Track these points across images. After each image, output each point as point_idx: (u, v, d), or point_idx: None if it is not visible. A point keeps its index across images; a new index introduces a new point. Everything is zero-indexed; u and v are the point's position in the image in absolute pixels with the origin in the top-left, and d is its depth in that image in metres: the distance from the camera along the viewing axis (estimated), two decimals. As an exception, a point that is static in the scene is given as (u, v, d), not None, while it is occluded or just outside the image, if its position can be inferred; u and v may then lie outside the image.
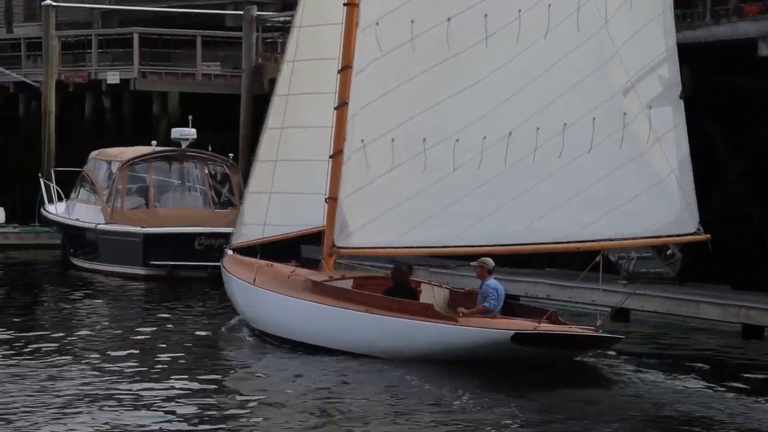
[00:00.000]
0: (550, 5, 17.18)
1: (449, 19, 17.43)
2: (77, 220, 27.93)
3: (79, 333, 19.21)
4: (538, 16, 17.18)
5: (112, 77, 35.09)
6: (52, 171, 32.45)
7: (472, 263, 17.85)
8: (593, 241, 17.26)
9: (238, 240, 20.00)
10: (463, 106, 17.41)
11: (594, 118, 16.93)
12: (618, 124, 16.91)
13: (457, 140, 17.34)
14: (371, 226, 17.81)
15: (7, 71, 37.78)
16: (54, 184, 31.02)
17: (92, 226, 26.60)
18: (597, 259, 17.11)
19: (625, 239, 17.48)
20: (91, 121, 36.49)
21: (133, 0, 42.24)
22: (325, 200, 18.41)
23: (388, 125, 17.66)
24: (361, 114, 17.83)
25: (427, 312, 16.27)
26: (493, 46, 17.31)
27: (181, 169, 28.35)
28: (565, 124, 17.02)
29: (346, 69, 18.03)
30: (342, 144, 17.97)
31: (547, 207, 17.10)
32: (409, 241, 17.74)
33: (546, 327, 15.78)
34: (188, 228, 25.15)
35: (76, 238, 27.85)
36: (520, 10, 17.24)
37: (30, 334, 18.64)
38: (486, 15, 17.31)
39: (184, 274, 25.13)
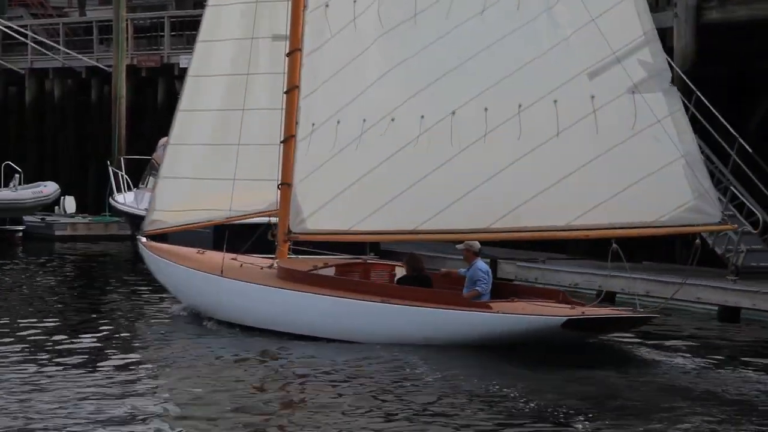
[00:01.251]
0: None
1: None
2: (145, 210, 27.41)
3: (153, 327, 18.76)
4: None
5: (185, 61, 32.04)
6: (122, 159, 32.11)
7: (457, 246, 17.48)
8: (599, 228, 16.73)
9: (152, 227, 19.41)
10: (395, 85, 17.19)
11: (555, 101, 16.49)
12: (586, 108, 16.40)
13: (393, 119, 17.14)
14: (324, 211, 17.64)
15: (79, 55, 37.58)
16: (123, 173, 30.64)
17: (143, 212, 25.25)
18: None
19: (634, 227, 16.80)
20: (163, 106, 35.26)
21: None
22: (278, 186, 18.16)
23: (335, 107, 17.54)
24: (311, 97, 17.72)
25: (459, 300, 16.11)
26: (422, 23, 17.05)
27: None
28: (520, 105, 16.59)
29: (294, 52, 17.85)
30: (293, 128, 17.82)
31: (523, 192, 16.67)
32: (365, 226, 17.52)
33: (593, 311, 15.72)
34: (260, 218, 24.51)
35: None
36: None
37: (97, 328, 18.21)
38: None
39: None
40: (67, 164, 37.68)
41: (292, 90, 17.84)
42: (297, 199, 17.79)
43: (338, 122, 17.50)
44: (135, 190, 29.66)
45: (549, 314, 15.46)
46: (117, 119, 34.66)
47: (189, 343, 16.69)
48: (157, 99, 36.43)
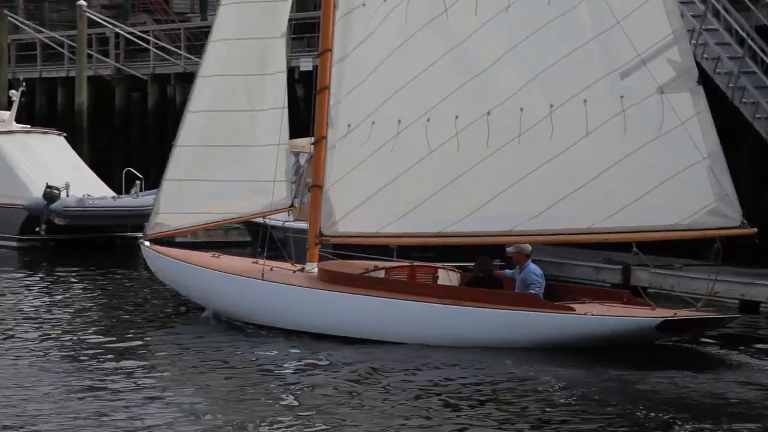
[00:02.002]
0: None
1: None
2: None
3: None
4: None
5: (305, 64, 32.79)
6: None
7: (508, 249, 17.67)
8: (617, 232, 16.79)
9: (155, 230, 19.23)
10: (430, 85, 17.15)
11: (585, 101, 16.43)
12: (615, 108, 16.35)
13: (429, 120, 17.08)
14: (356, 214, 17.62)
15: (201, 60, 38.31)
16: None
17: (279, 223, 24.39)
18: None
19: (656, 231, 16.74)
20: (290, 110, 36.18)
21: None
22: (308, 188, 18.34)
23: (371, 107, 17.50)
24: (347, 99, 17.68)
25: (539, 303, 16.11)
26: (452, 21, 17.02)
27: None
28: (552, 105, 16.54)
29: (325, 53, 17.86)
30: (324, 130, 17.79)
31: (552, 195, 16.63)
32: (396, 228, 17.48)
33: (684, 313, 15.85)
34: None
35: (264, 236, 27.10)
36: None
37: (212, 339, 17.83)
38: None
39: None
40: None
41: (322, 91, 17.85)
42: (330, 201, 17.77)
43: (373, 123, 17.46)
44: None
45: (642, 315, 15.59)
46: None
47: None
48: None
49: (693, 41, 21.29)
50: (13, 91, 33.31)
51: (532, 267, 16.87)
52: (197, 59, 35.44)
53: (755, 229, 17.18)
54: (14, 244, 29.00)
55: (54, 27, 44.46)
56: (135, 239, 28.15)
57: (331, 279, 17.17)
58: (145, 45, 39.00)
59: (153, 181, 33.03)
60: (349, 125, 17.63)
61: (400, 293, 16.50)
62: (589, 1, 16.46)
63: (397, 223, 17.42)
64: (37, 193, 28.57)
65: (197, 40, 38.51)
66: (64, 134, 32.62)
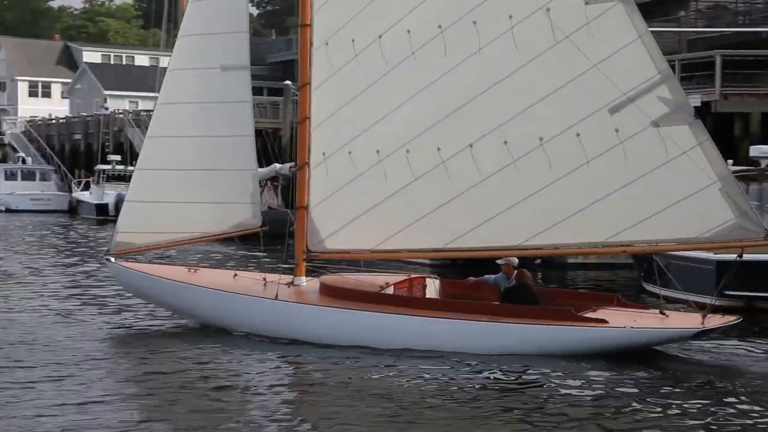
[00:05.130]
0: (475, 22, 17.43)
1: (380, 37, 18.06)
2: None
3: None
4: (464, 33, 17.48)
5: (694, 100, 33.36)
6: None
7: (497, 261, 18.04)
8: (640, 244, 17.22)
9: (119, 248, 19.41)
10: (403, 120, 17.87)
11: (578, 134, 16.90)
12: (612, 139, 16.76)
13: (408, 151, 17.83)
14: (342, 233, 18.29)
15: None
16: None
17: None
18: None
19: (676, 243, 17.10)
20: None
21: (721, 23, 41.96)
22: (294, 209, 18.65)
23: (344, 139, 18.30)
24: (321, 128, 18.48)
25: (572, 316, 16.52)
26: (420, 62, 17.75)
27: (760, 189, 24.33)
28: (541, 138, 17.07)
29: (304, 86, 18.63)
30: (306, 157, 18.61)
31: (556, 213, 17.08)
32: (388, 245, 18.06)
33: (713, 321, 16.49)
34: None
35: (646, 261, 25.05)
36: (440, 26, 17.63)
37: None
38: (409, 31, 17.82)
39: (761, 306, 21.67)
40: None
41: (303, 121, 18.68)
42: (314, 222, 18.53)
43: (350, 152, 18.24)
44: None
45: (680, 326, 16.44)
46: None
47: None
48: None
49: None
50: None
51: None
52: None
53: None
54: (427, 262, 28.41)
55: None
56: (533, 259, 27.54)
57: (349, 296, 17.52)
58: None
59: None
60: (323, 153, 18.44)
61: (440, 311, 16.91)
62: (560, 47, 16.90)
63: (388, 242, 17.96)
64: None
65: None
66: None
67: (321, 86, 18.43)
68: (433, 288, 18.58)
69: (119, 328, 19.21)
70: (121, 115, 68.66)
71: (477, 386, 14.57)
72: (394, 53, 17.89)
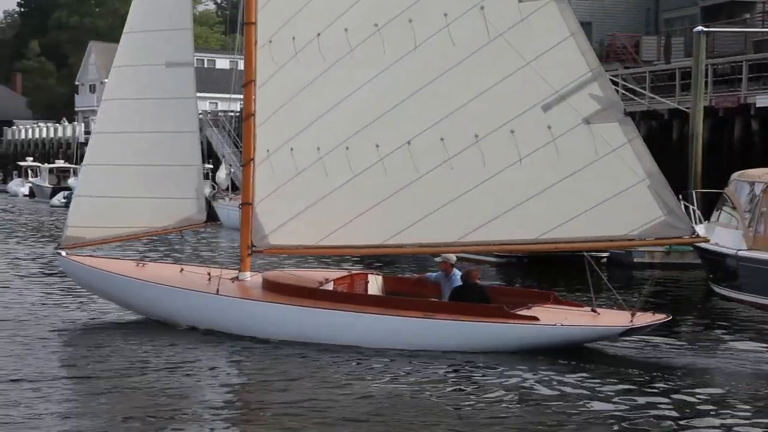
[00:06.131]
0: (411, 20, 17.63)
1: (319, 35, 18.26)
2: (716, 244, 24.49)
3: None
4: (400, 31, 17.69)
5: (761, 100, 35.29)
6: (694, 193, 30.31)
7: (436, 259, 18.34)
8: (569, 241, 17.19)
9: (69, 242, 19.71)
10: (343, 117, 18.08)
11: (512, 131, 17.15)
12: (545, 136, 17.04)
13: (347, 148, 18.06)
14: (286, 228, 18.51)
15: (663, 99, 38.93)
16: (694, 207, 28.59)
17: (732, 252, 23.50)
18: None
19: (605, 240, 17.27)
20: (739, 143, 36.97)
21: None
22: (239, 206, 18.94)
23: (287, 136, 18.52)
24: (265, 125, 18.70)
25: (504, 313, 16.68)
26: (358, 60, 17.98)
27: None
28: (476, 135, 17.30)
29: (249, 83, 18.79)
30: (251, 153, 18.84)
31: (490, 210, 17.28)
32: (330, 241, 18.26)
33: (641, 319, 16.59)
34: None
35: (715, 264, 25.19)
36: (376, 25, 17.85)
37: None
38: (346, 29, 18.04)
39: None
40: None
41: (247, 118, 18.89)
42: (258, 218, 18.76)
43: (291, 149, 18.46)
44: (705, 223, 27.63)
45: (609, 324, 16.60)
46: (693, 156, 35.30)
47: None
48: (733, 137, 37.26)
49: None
50: None
51: (457, 275, 17.96)
52: (660, 99, 37.75)
53: (708, 238, 17.51)
54: (493, 260, 29.04)
55: None
56: (599, 258, 27.91)
57: (287, 292, 17.70)
58: (615, 87, 40.48)
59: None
60: (267, 150, 18.65)
61: (371, 306, 17.08)
62: (495, 44, 17.11)
63: (330, 237, 18.16)
64: None
65: (660, 81, 40.29)
66: None
67: (265, 84, 18.58)
68: (375, 284, 18.80)
69: (65, 322, 19.37)
70: (200, 116, 70.22)
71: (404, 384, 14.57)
72: (333, 51, 18.07)
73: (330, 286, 18.09)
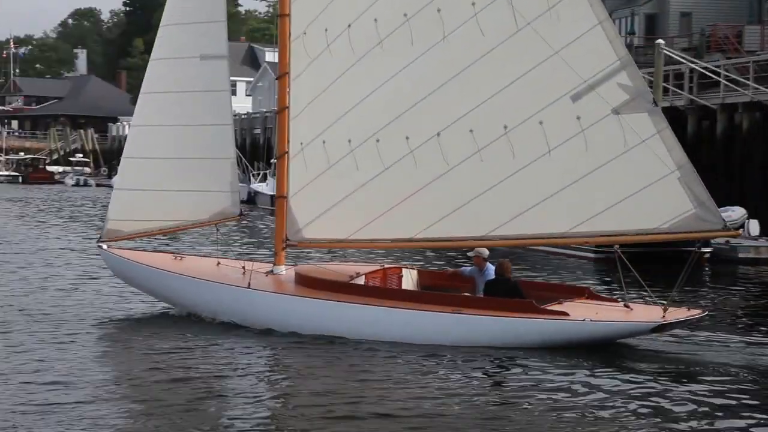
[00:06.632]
0: (439, 10, 17.48)
1: (349, 26, 18.15)
2: None
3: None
4: (429, 21, 17.55)
5: None
6: None
7: (469, 253, 18.30)
8: (600, 235, 17.11)
9: (110, 235, 19.75)
10: (373, 109, 17.95)
11: (541, 122, 16.96)
12: (574, 127, 16.83)
13: (378, 140, 17.94)
14: (320, 222, 18.42)
15: (767, 90, 38.50)
16: None
17: None
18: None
19: (636, 234, 16.89)
20: None
21: None
22: (273, 198, 18.72)
23: (319, 129, 18.46)
24: (299, 118, 18.67)
25: (534, 308, 16.51)
26: (388, 51, 17.85)
27: None
28: (506, 126, 17.11)
29: (283, 76, 18.82)
30: (285, 146, 18.79)
31: (520, 204, 17.12)
32: (362, 235, 18.15)
33: (674, 315, 16.48)
34: None
35: None
36: (405, 15, 17.71)
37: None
38: (375, 20, 17.92)
39: None
40: (753, 190, 37.76)
41: (281, 111, 18.87)
42: (292, 211, 18.73)
43: (324, 142, 18.38)
44: None
45: (639, 320, 16.40)
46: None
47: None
48: None
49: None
50: None
51: (491, 269, 17.81)
52: (764, 89, 37.22)
53: (740, 231, 17.01)
54: (591, 255, 29.27)
55: (641, 67, 46.62)
56: (703, 254, 28.04)
57: (319, 286, 17.54)
58: (716, 78, 39.98)
59: (720, 201, 31.12)
60: (301, 143, 18.59)
61: (408, 302, 16.87)
62: (523, 34, 16.91)
63: (362, 231, 18.02)
64: None
65: (764, 72, 39.82)
66: None
67: (299, 76, 18.53)
68: (409, 278, 18.62)
69: (97, 315, 19.34)
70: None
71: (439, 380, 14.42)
72: (362, 42, 17.94)
73: (361, 281, 17.88)
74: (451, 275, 18.65)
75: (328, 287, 17.47)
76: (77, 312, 19.50)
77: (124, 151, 20.05)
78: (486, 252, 18.05)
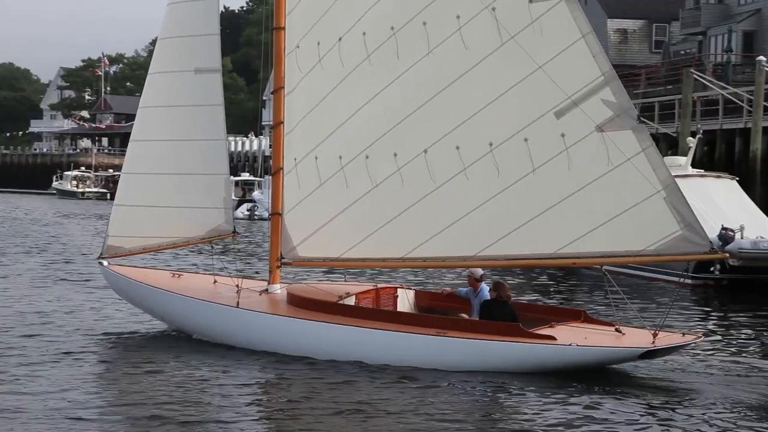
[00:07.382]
0: (425, 23, 17.22)
1: (340, 39, 17.98)
2: None
3: None
4: (414, 34, 17.29)
5: None
6: None
7: (463, 272, 17.93)
8: (587, 257, 16.67)
9: (110, 252, 19.77)
10: (362, 124, 17.74)
11: (526, 139, 16.64)
12: (559, 145, 16.49)
13: (367, 157, 17.75)
14: (313, 240, 18.25)
15: None
16: None
17: None
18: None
19: (623, 256, 16.59)
20: None
21: None
22: (269, 215, 18.77)
23: (311, 144, 18.28)
24: (293, 134, 18.52)
25: (520, 332, 16.19)
26: (375, 66, 17.64)
27: None
28: (491, 143, 16.83)
29: (278, 90, 18.61)
30: (280, 162, 18.67)
31: (507, 223, 16.79)
32: (354, 254, 17.95)
33: (663, 341, 16.12)
34: None
35: None
36: (392, 28, 17.48)
37: None
38: (364, 33, 17.72)
39: None
40: None
41: (277, 126, 18.69)
42: (286, 229, 18.55)
43: (316, 158, 18.21)
44: None
45: (627, 345, 16.02)
46: None
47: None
48: None
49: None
50: (690, 139, 34.94)
51: (485, 289, 17.60)
52: None
53: (727, 254, 17.12)
54: (688, 281, 28.78)
55: (737, 85, 46.72)
56: None
57: (309, 306, 17.42)
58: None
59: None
60: (295, 159, 18.45)
61: (393, 323, 16.66)
62: (507, 48, 16.61)
63: (354, 250, 17.85)
64: (712, 233, 27.43)
65: None
66: (736, 178, 33.12)
67: (293, 91, 18.37)
68: (405, 298, 18.40)
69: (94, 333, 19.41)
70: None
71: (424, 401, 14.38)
72: (352, 57, 17.72)
73: (351, 301, 17.65)
74: (448, 296, 18.42)
75: (317, 307, 17.24)
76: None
77: (123, 166, 20.02)
78: (479, 272, 17.79)
